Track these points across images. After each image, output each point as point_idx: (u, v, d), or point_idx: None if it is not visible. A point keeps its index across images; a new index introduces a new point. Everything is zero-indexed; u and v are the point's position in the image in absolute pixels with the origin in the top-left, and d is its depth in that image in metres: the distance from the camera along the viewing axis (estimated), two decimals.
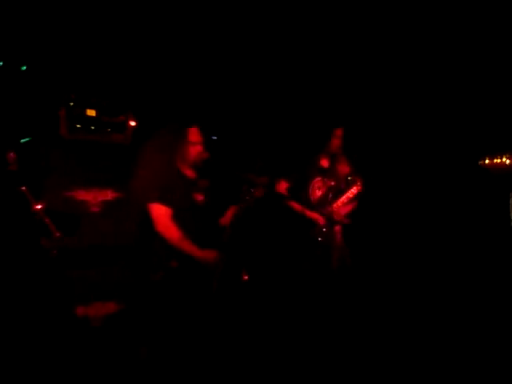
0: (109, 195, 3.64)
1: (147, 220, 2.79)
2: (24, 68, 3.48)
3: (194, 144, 2.86)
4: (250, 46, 4.04)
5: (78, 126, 3.54)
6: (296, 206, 3.71)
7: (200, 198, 2.90)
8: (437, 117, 4.49)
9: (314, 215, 3.66)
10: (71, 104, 3.51)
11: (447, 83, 4.32)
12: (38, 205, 2.76)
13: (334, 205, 3.67)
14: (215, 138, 3.92)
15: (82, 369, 2.96)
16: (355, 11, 3.70)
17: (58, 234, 2.79)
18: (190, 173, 2.94)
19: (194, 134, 2.87)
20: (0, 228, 2.93)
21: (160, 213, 2.73)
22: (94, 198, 3.58)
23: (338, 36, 4.01)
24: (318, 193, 3.77)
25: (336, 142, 3.72)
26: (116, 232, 3.60)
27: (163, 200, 2.73)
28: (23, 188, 2.74)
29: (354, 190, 3.66)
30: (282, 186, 3.65)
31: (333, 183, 3.74)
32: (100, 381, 2.92)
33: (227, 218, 3.07)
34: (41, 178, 3.32)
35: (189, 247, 2.74)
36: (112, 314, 3.45)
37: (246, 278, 4.03)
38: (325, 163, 3.79)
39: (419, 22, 3.78)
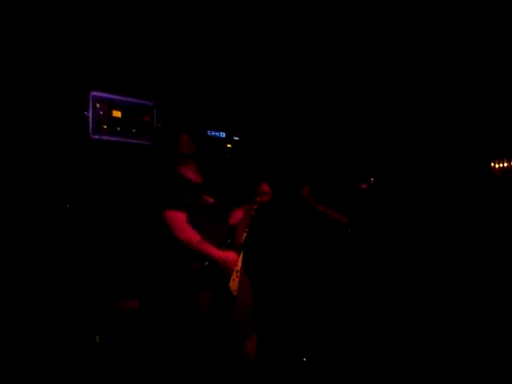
0: (133, 196, 3.70)
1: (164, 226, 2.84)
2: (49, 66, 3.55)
3: (184, 155, 2.91)
4: (276, 51, 4.05)
5: (104, 126, 3.62)
6: (320, 207, 3.73)
7: (210, 200, 2.93)
8: (446, 121, 4.43)
9: (338, 216, 3.68)
10: (97, 105, 3.58)
11: (457, 88, 4.26)
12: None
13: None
14: (237, 138, 3.96)
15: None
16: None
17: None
18: (194, 177, 2.97)
19: (184, 143, 2.93)
20: (34, 225, 3.01)
21: (175, 219, 2.76)
22: (119, 197, 3.64)
23: (357, 43, 4.00)
24: (341, 194, 3.79)
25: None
26: (140, 233, 3.66)
27: (176, 206, 2.76)
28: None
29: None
30: (306, 190, 3.68)
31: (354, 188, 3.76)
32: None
33: (234, 218, 3.08)
34: (67, 178, 3.40)
35: (208, 249, 2.76)
36: (136, 310, 3.52)
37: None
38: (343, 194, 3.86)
39: (427, 25, 3.74)
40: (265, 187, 2.95)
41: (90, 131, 3.54)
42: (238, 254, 2.86)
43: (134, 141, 3.73)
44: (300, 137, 4.58)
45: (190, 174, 2.96)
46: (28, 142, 3.28)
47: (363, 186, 4.02)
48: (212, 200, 2.93)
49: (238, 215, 3.04)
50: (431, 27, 3.80)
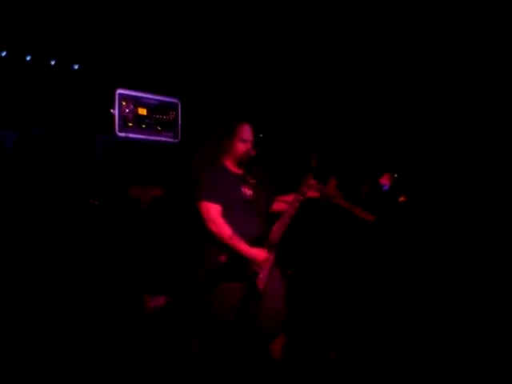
0: (159, 192, 3.72)
1: (198, 216, 2.84)
2: (76, 67, 3.60)
3: (245, 141, 2.85)
4: (301, 49, 4.03)
5: (130, 124, 3.65)
6: (347, 205, 3.66)
7: (249, 192, 2.89)
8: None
9: (364, 214, 3.61)
10: (123, 103, 3.61)
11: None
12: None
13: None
14: (261, 135, 3.93)
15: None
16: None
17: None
18: (236, 169, 2.94)
19: (245, 131, 2.87)
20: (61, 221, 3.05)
21: (209, 211, 2.74)
22: (145, 194, 3.66)
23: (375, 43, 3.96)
24: (365, 190, 3.74)
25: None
26: (166, 228, 3.67)
27: (211, 198, 2.73)
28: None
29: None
30: (332, 185, 3.62)
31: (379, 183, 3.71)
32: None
33: (276, 206, 3.03)
34: (95, 174, 3.43)
35: (238, 245, 2.74)
36: (162, 306, 3.54)
37: (290, 273, 4.04)
38: (364, 162, 3.78)
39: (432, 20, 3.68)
40: (311, 182, 2.88)
41: (116, 129, 3.57)
42: (270, 252, 2.82)
43: (159, 138, 3.75)
44: (322, 130, 4.54)
45: (232, 164, 2.93)
46: (56, 140, 3.33)
47: (385, 182, 3.93)
48: (251, 192, 2.88)
49: (283, 203, 2.97)
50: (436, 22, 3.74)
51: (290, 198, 2.90)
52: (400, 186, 3.86)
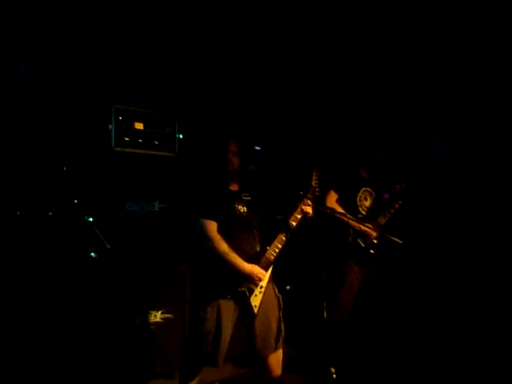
0: (156, 206, 3.70)
1: (195, 232, 2.83)
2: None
3: (232, 154, 2.89)
4: (295, 59, 4.03)
5: (127, 139, 3.63)
6: (348, 219, 3.63)
7: (243, 209, 2.90)
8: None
9: (367, 228, 3.58)
10: (120, 118, 3.60)
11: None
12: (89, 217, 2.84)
13: (382, 217, 3.59)
14: (259, 148, 3.91)
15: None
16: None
17: (108, 247, 2.86)
18: (231, 185, 2.95)
19: (233, 145, 2.91)
20: (52, 240, 3.03)
21: (206, 227, 2.77)
22: (142, 209, 3.65)
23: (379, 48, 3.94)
24: (366, 203, 3.71)
25: (380, 155, 3.69)
26: (163, 243, 3.65)
27: (209, 215, 2.76)
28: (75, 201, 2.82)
29: (397, 204, 3.59)
30: (332, 198, 3.60)
31: (378, 194, 3.68)
32: None
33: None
34: (91, 190, 3.41)
35: (235, 261, 2.74)
36: (161, 323, 3.51)
37: (289, 287, 4.01)
38: (364, 173, 3.76)
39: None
40: (308, 207, 2.88)
41: (113, 143, 3.56)
42: (266, 269, 2.81)
43: (156, 152, 3.74)
44: (319, 142, 4.52)
45: (226, 180, 2.96)
46: (52, 155, 3.31)
47: (386, 196, 3.91)
48: (245, 209, 2.91)
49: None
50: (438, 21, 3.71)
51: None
52: (401, 194, 3.82)
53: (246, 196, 2.96)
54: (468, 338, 3.62)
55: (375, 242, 3.59)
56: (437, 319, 3.88)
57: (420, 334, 3.78)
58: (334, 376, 2.76)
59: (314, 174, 2.88)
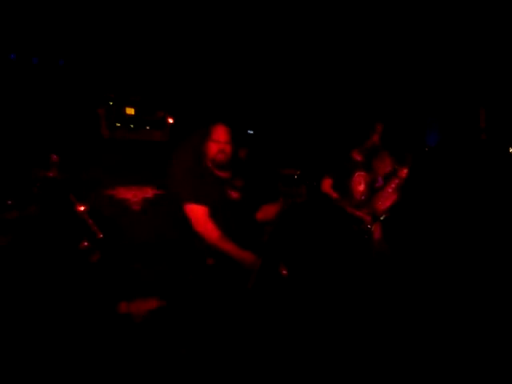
0: (149, 193, 3.65)
1: (185, 218, 2.79)
2: (61, 63, 3.53)
3: (216, 142, 2.81)
4: (285, 45, 3.98)
5: (118, 124, 3.58)
6: (343, 204, 3.60)
7: (235, 195, 2.86)
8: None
9: (360, 213, 3.55)
10: (110, 103, 3.55)
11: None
12: (81, 206, 2.79)
13: (377, 201, 3.56)
14: (251, 132, 3.87)
15: (124, 365, 3.01)
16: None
17: (100, 236, 2.81)
18: (219, 171, 2.89)
19: (218, 133, 2.83)
20: (43, 229, 2.99)
21: (196, 212, 2.72)
22: (135, 195, 3.60)
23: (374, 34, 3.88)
24: (360, 188, 3.67)
25: (375, 137, 3.63)
26: (156, 229, 3.61)
27: (198, 199, 2.71)
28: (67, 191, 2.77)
29: (393, 184, 3.54)
30: (327, 184, 3.57)
31: (372, 178, 3.64)
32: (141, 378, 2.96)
33: (263, 213, 3.00)
34: (82, 177, 3.37)
35: (227, 246, 2.71)
36: (154, 310, 3.49)
37: (285, 272, 3.99)
38: (358, 157, 3.71)
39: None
40: (301, 189, 2.85)
41: (104, 129, 3.51)
42: (262, 253, 2.77)
43: (147, 137, 3.69)
44: (313, 127, 4.48)
45: (213, 166, 2.89)
46: (41, 139, 3.26)
47: (379, 178, 3.87)
48: (237, 195, 2.86)
49: (268, 212, 2.94)
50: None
51: (275, 206, 2.87)
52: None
53: (238, 182, 2.92)
54: (460, 334, 3.62)
55: (369, 227, 3.57)
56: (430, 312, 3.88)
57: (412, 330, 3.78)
58: None
59: (309, 160, 2.86)
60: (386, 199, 3.58)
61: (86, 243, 2.92)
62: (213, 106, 3.93)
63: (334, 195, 3.54)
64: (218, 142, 2.82)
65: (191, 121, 3.86)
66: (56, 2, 3.40)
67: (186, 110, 3.88)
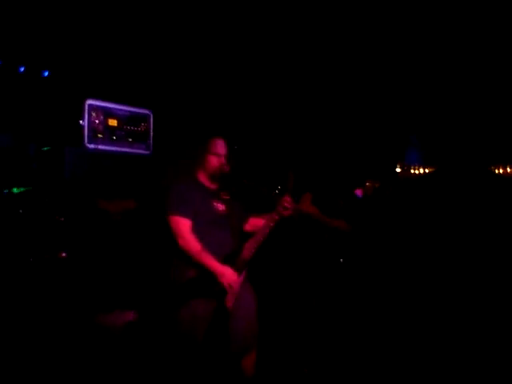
0: (130, 205, 3.65)
1: (168, 230, 2.79)
2: (46, 74, 3.51)
3: (218, 155, 2.82)
4: (272, 56, 4.01)
5: (100, 135, 3.57)
6: (328, 220, 3.64)
7: (221, 207, 2.86)
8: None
9: (339, 224, 3.60)
10: (93, 114, 3.54)
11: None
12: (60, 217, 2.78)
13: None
14: (236, 147, 3.89)
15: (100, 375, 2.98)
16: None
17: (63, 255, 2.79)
18: (209, 183, 2.90)
19: (218, 146, 2.84)
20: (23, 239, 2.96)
21: (178, 225, 2.70)
22: (116, 207, 3.59)
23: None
24: (340, 202, 3.74)
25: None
26: (137, 241, 3.60)
27: (181, 212, 2.69)
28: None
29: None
30: (307, 199, 3.60)
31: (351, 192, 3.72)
32: None
33: (251, 225, 3.00)
34: (63, 188, 3.35)
35: (207, 261, 2.69)
36: (131, 322, 3.47)
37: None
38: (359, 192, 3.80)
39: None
40: (287, 202, 2.84)
41: (86, 140, 3.50)
42: (242, 269, 2.78)
43: (130, 149, 3.69)
44: (295, 142, 4.53)
45: (205, 178, 2.90)
46: (22, 151, 3.24)
47: (358, 191, 3.94)
48: (223, 207, 2.85)
49: (256, 223, 2.93)
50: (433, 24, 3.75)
51: (263, 218, 2.87)
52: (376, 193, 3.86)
53: (224, 195, 2.92)
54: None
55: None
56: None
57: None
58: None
59: (290, 175, 2.87)
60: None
61: (64, 254, 2.90)
62: (196, 120, 3.95)
63: (314, 210, 3.58)
64: (219, 155, 2.83)
65: (174, 135, 3.88)
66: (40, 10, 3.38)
67: (170, 124, 3.88)
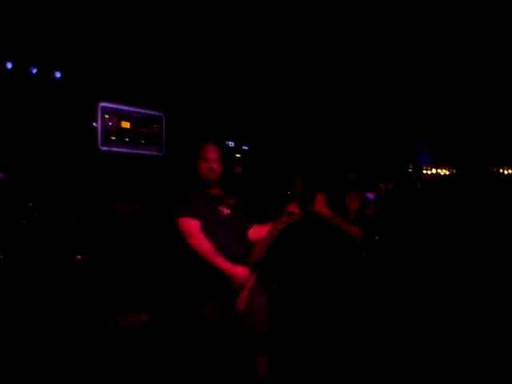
0: (143, 206, 3.66)
1: (178, 232, 2.79)
2: (59, 76, 3.52)
3: (206, 160, 2.83)
4: (283, 61, 4.01)
5: (113, 138, 3.58)
6: (337, 220, 3.61)
7: (226, 212, 2.86)
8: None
9: (352, 232, 3.57)
10: (106, 116, 3.56)
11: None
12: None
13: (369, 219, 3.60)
14: (246, 147, 3.90)
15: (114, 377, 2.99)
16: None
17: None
18: (211, 189, 2.91)
19: (207, 151, 2.85)
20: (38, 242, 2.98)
21: (189, 226, 2.70)
22: (130, 209, 3.60)
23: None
24: (354, 205, 3.70)
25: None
26: (149, 243, 3.61)
27: (191, 214, 2.70)
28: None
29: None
30: (321, 201, 3.57)
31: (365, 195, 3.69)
32: None
33: (255, 233, 3.00)
34: (77, 190, 3.36)
35: (219, 261, 2.69)
36: (145, 323, 3.48)
37: (274, 287, 3.99)
38: (353, 176, 3.75)
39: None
40: (294, 208, 2.84)
41: (99, 143, 3.51)
42: (252, 271, 2.77)
43: (143, 151, 3.70)
44: (307, 144, 4.51)
45: (205, 184, 2.90)
46: (36, 154, 3.25)
47: (370, 194, 3.91)
48: (228, 212, 2.86)
49: (261, 232, 2.94)
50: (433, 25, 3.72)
51: (268, 226, 2.86)
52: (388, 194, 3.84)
53: (229, 199, 2.92)
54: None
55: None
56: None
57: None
58: None
59: (298, 180, 2.86)
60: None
61: (79, 256, 2.91)
62: (209, 121, 3.96)
63: (327, 212, 3.56)
64: (208, 160, 2.84)
65: (186, 137, 3.88)
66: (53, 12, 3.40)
67: (182, 126, 3.89)
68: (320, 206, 3.57)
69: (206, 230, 2.73)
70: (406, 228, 4.11)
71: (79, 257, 2.92)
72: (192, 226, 2.69)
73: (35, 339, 2.89)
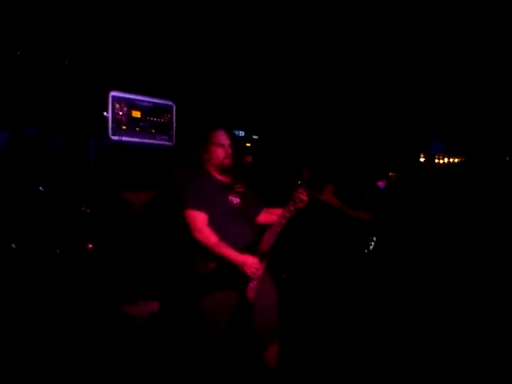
0: (153, 196, 3.67)
1: (185, 224, 2.80)
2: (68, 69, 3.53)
3: (221, 146, 2.82)
4: (293, 51, 3.99)
5: (124, 127, 3.59)
6: (346, 209, 3.61)
7: (236, 200, 2.85)
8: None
9: (361, 215, 3.57)
10: (117, 106, 3.56)
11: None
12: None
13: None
14: (256, 137, 3.88)
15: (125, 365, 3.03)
16: None
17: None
18: (221, 177, 2.89)
19: (220, 136, 2.83)
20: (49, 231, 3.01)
21: (194, 219, 2.70)
22: (139, 198, 3.62)
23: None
24: (365, 196, 3.71)
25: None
26: (160, 232, 3.63)
27: (197, 206, 2.70)
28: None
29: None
30: (329, 191, 3.57)
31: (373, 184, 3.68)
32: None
33: (266, 217, 2.99)
34: (88, 180, 3.38)
35: (226, 252, 2.69)
36: (156, 312, 3.51)
37: (284, 275, 3.99)
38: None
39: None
40: (302, 195, 2.83)
41: (110, 132, 3.52)
42: (261, 260, 2.77)
43: (153, 141, 3.71)
44: (316, 133, 4.49)
45: (216, 172, 2.89)
46: (47, 143, 3.27)
47: (380, 183, 3.89)
48: (238, 200, 2.85)
49: (270, 216, 2.92)
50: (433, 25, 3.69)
51: (278, 210, 2.85)
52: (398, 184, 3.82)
53: (239, 187, 2.91)
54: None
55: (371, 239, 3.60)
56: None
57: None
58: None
59: (305, 168, 2.84)
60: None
61: (90, 245, 2.93)
62: (218, 111, 3.95)
63: (335, 200, 3.56)
64: (223, 145, 2.82)
65: (197, 126, 3.87)
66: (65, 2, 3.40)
67: (193, 115, 3.88)
68: (328, 195, 3.57)
69: (215, 219, 2.73)
70: (413, 216, 4.10)
71: (91, 246, 2.94)
72: (198, 220, 2.69)
73: (47, 326, 2.93)
